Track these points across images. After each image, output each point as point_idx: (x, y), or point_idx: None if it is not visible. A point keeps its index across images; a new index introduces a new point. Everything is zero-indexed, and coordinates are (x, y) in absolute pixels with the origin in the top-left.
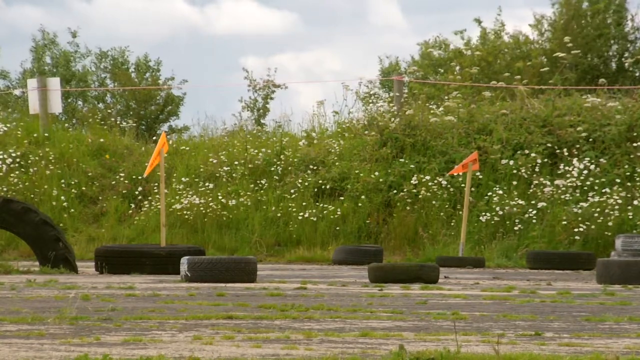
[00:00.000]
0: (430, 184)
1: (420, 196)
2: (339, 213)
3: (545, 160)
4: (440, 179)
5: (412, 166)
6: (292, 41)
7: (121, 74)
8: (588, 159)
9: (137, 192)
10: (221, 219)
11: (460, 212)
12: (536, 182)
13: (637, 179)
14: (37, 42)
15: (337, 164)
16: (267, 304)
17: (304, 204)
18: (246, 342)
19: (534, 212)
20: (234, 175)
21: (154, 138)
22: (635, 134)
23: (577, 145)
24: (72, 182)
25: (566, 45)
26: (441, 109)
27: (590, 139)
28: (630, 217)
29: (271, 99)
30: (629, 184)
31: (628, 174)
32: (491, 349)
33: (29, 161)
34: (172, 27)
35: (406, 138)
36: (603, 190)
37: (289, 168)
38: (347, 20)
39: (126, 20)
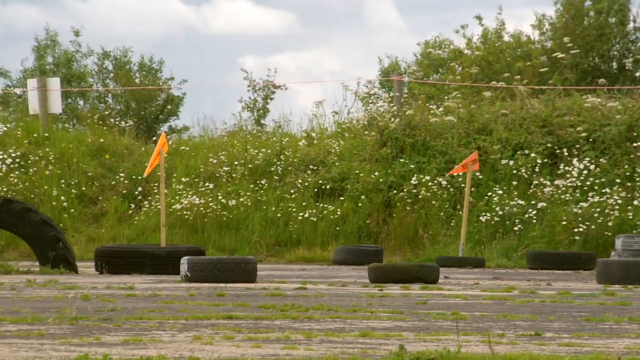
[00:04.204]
0: (430, 184)
1: (420, 196)
2: (339, 213)
3: (545, 160)
4: (440, 179)
5: (412, 166)
6: (289, 41)
7: (122, 74)
8: (588, 159)
9: (137, 192)
10: (221, 219)
11: (460, 212)
12: (536, 182)
13: (637, 179)
14: (39, 42)
15: (337, 164)
16: (267, 304)
17: (304, 204)
18: (246, 342)
19: (534, 212)
20: (234, 175)
21: (154, 138)
22: (635, 134)
23: (577, 145)
24: (72, 182)
25: (566, 45)
26: (441, 109)
27: (590, 139)
28: (630, 217)
29: (271, 99)
30: (629, 184)
31: (628, 174)
32: (493, 348)
33: (29, 161)
34: (168, 27)
35: (406, 138)
36: (603, 190)
37: (289, 168)
38: (344, 20)
39: (122, 20)
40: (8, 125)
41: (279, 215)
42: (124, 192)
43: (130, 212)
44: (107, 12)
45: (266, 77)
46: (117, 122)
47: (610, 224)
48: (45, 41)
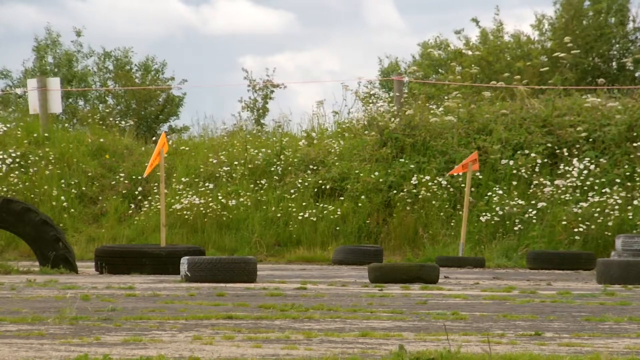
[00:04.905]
0: (430, 184)
1: (420, 196)
2: (339, 213)
3: (545, 160)
4: (440, 179)
5: (412, 166)
6: (289, 41)
7: (122, 74)
8: (588, 159)
9: (137, 192)
10: (221, 219)
11: (460, 212)
12: (536, 182)
13: (637, 179)
14: (39, 42)
15: (337, 164)
16: (267, 304)
17: (304, 204)
18: (246, 342)
19: (534, 212)
20: (234, 175)
21: (154, 138)
22: (635, 134)
23: (577, 145)
24: (72, 182)
25: (566, 45)
26: (441, 109)
27: (590, 139)
28: (630, 217)
29: (270, 99)
30: (629, 184)
31: (628, 174)
32: (491, 350)
33: (29, 161)
34: (168, 27)
35: (406, 138)
36: (603, 190)
37: (289, 168)
38: (344, 20)
39: (122, 20)
40: (8, 125)
41: (279, 215)
42: (124, 192)
43: (130, 212)
44: (106, 12)
45: (266, 76)
46: (117, 122)
47: (610, 224)
48: (45, 41)
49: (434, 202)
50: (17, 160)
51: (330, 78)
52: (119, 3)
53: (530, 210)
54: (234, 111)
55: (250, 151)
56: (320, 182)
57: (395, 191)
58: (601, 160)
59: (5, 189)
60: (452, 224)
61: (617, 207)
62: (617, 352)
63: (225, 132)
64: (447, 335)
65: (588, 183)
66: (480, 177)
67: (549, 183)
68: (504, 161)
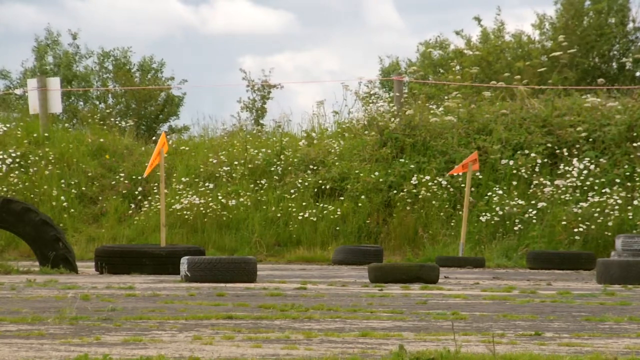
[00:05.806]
0: (430, 184)
1: (420, 196)
2: (339, 213)
3: (545, 160)
4: (440, 179)
5: (412, 166)
6: (289, 41)
7: (122, 74)
8: (588, 159)
9: (137, 192)
10: (221, 219)
11: (460, 212)
12: (536, 182)
13: (637, 179)
14: (39, 42)
15: (337, 164)
16: (267, 304)
17: (304, 204)
18: (246, 342)
19: (534, 212)
20: (234, 175)
21: (154, 138)
22: (635, 134)
23: (577, 145)
24: (72, 182)
25: (562, 44)
26: (441, 109)
27: (590, 139)
28: (630, 217)
29: (268, 99)
30: (629, 184)
31: (628, 174)
32: (491, 349)
33: (29, 161)
34: (167, 26)
35: (406, 138)
36: (603, 190)
37: (289, 168)
38: (344, 20)
39: (121, 20)
40: (8, 125)
41: (279, 215)
42: (124, 192)
43: (130, 212)
44: (106, 12)
45: (263, 77)
46: (117, 122)
47: (610, 224)
48: (45, 41)
49: (434, 202)
50: (17, 160)
51: (330, 78)
52: (118, 3)
53: (530, 210)
54: (234, 111)
55: (250, 151)
56: (320, 182)
57: (395, 191)
58: (601, 160)
59: (5, 189)
60: (452, 224)
61: (617, 207)
62: (617, 352)
63: (225, 132)
64: (454, 335)
65: (588, 183)
66: (480, 177)
67: (549, 183)
68: (504, 161)
